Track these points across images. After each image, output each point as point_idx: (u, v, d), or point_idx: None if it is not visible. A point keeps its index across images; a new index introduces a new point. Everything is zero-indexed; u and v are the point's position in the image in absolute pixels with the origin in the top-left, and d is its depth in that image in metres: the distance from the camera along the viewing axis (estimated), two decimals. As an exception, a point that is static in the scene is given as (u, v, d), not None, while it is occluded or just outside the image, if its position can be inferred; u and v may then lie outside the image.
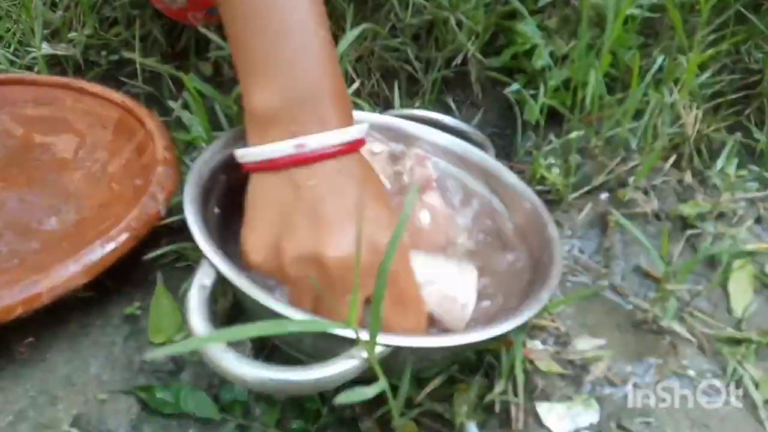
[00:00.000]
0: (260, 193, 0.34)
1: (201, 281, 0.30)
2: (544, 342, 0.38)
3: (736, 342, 0.37)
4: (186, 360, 0.38)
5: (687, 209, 0.43)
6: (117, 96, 0.48)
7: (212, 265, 0.30)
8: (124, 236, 0.36)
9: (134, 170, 0.45)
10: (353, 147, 0.34)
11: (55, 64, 0.83)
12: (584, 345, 0.38)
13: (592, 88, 0.52)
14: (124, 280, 0.41)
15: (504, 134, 0.64)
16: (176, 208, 0.42)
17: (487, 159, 0.44)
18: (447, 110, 0.67)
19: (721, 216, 0.44)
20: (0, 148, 0.48)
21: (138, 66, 0.81)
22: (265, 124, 0.33)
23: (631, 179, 0.48)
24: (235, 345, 0.29)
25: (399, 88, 0.62)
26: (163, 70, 0.66)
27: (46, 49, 0.86)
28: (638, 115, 0.53)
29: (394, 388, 0.28)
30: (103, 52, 0.88)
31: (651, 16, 0.75)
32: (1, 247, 0.40)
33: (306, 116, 0.33)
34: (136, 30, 0.85)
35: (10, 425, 0.34)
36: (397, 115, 0.49)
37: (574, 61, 0.66)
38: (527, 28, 0.75)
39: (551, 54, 0.72)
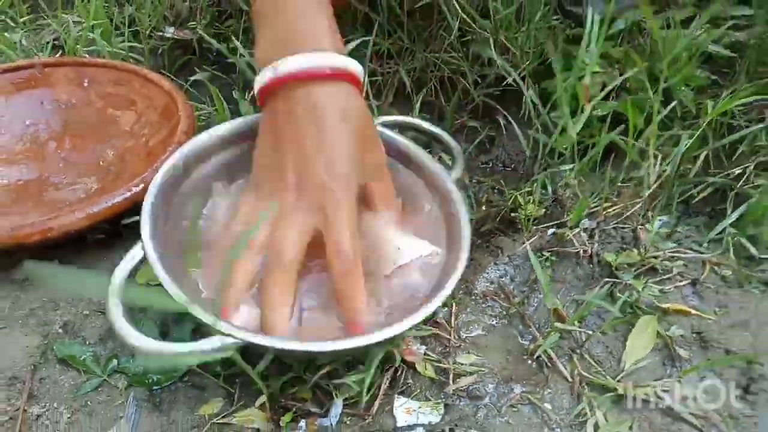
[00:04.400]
0: (262, 123, 0.42)
1: (132, 254, 0.39)
2: (431, 349, 0.43)
3: (604, 389, 0.39)
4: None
5: (613, 258, 0.44)
6: (166, 84, 0.60)
7: (143, 249, 0.40)
8: (118, 198, 0.47)
9: (165, 145, 0.56)
10: (338, 75, 0.40)
11: (175, 47, 0.99)
12: (464, 360, 0.42)
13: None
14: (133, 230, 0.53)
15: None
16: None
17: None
18: (497, 126, 0.71)
19: (652, 270, 0.44)
20: (85, 114, 0.62)
21: (239, 55, 0.95)
22: (265, 60, 0.41)
23: (587, 220, 0.49)
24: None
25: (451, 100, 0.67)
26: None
27: (171, 33, 1.04)
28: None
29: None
30: (215, 41, 1.03)
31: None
32: (67, 180, 0.54)
33: (296, 47, 0.40)
34: (240, 24, 0.99)
35: (20, 321, 0.47)
36: (380, 123, 0.55)
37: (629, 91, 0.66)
38: (588, 56, 0.76)
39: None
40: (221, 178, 0.48)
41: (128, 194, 0.48)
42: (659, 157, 0.55)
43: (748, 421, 0.36)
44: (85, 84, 0.63)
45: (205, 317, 0.35)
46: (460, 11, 0.76)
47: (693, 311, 0.42)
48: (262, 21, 0.43)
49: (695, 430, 0.36)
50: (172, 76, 0.82)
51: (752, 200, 0.50)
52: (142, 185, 0.48)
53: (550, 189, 0.57)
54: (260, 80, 0.41)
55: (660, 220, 0.51)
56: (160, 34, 1.02)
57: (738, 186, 0.64)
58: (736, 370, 0.39)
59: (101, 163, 0.57)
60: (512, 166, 0.67)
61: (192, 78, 1.07)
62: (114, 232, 0.52)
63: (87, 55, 0.71)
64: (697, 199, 0.70)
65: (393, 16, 0.82)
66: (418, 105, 0.68)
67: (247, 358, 0.36)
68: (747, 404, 0.37)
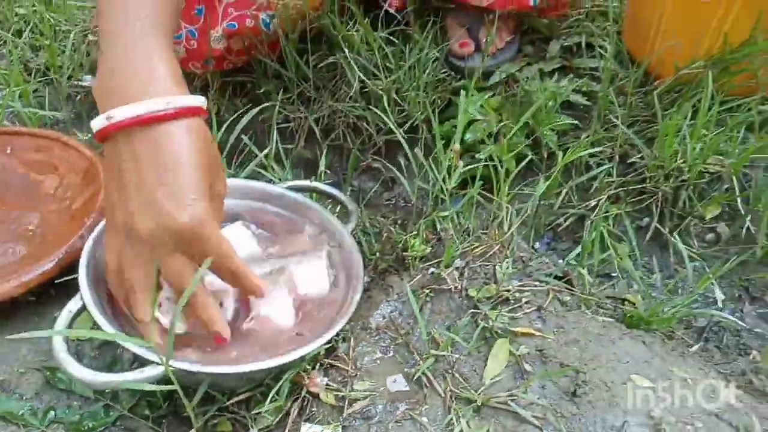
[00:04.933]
0: (105, 162, 0.43)
1: (71, 306, 0.46)
2: (333, 379, 0.51)
3: (469, 401, 0.49)
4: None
5: (476, 292, 0.55)
6: (86, 150, 0.65)
7: (81, 298, 0.46)
8: (49, 265, 0.53)
9: (88, 210, 0.62)
10: (181, 113, 0.40)
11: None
12: (360, 386, 0.51)
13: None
14: (63, 289, 0.58)
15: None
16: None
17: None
18: (398, 167, 0.80)
19: (506, 301, 0.55)
20: (9, 180, 0.67)
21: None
22: (103, 101, 0.42)
23: (459, 260, 0.60)
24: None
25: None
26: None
27: (88, 81, 1.08)
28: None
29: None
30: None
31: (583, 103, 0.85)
32: None
33: (129, 91, 0.40)
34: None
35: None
36: (286, 188, 0.63)
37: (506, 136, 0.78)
38: (468, 105, 0.88)
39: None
40: None
41: (58, 260, 0.54)
42: (516, 204, 0.66)
43: (575, 419, 0.47)
44: (8, 151, 0.67)
45: (131, 346, 0.42)
46: (357, 71, 0.86)
47: (537, 333, 0.52)
48: (103, 51, 0.42)
49: (537, 429, 0.47)
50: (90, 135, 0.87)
51: (585, 237, 0.62)
52: (70, 252, 0.54)
53: (439, 227, 0.67)
54: (97, 124, 0.41)
55: (519, 254, 0.62)
56: (78, 82, 1.06)
57: (593, 216, 0.77)
58: (567, 378, 0.49)
59: (28, 227, 0.62)
60: (411, 202, 0.77)
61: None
62: (43, 292, 0.57)
63: (8, 123, 0.75)
64: (562, 227, 0.82)
65: (300, 70, 0.91)
66: (322, 165, 0.77)
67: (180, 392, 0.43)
68: (575, 405, 0.48)
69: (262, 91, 0.94)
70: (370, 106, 0.87)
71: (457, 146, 0.63)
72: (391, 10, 0.89)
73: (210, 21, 0.80)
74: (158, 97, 0.40)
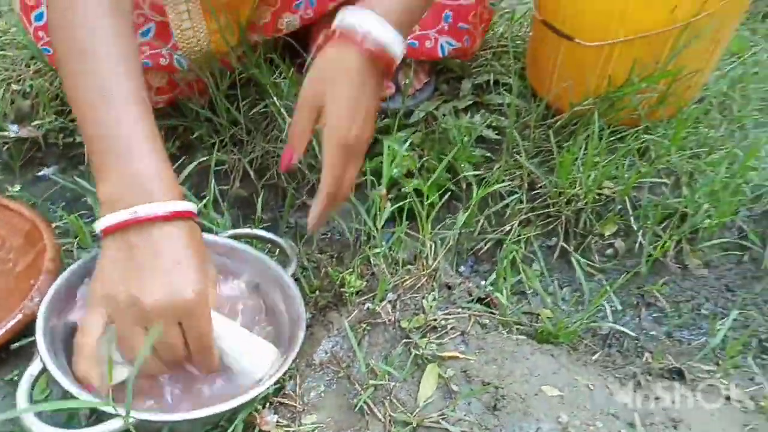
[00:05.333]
0: (106, 252, 0.49)
1: (31, 371, 0.49)
2: (282, 416, 0.57)
3: (405, 423, 0.55)
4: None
5: (407, 323, 0.62)
6: (27, 212, 0.68)
7: (42, 361, 0.49)
8: (1, 331, 0.55)
9: (32, 272, 0.64)
10: (175, 216, 0.48)
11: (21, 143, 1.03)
12: (307, 420, 0.56)
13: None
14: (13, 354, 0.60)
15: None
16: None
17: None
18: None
19: (434, 329, 0.62)
20: (-55, 245, 0.67)
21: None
22: (111, 204, 0.49)
23: (391, 294, 0.66)
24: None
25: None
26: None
27: (15, 131, 1.08)
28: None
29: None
30: (61, 135, 1.09)
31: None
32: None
33: (138, 196, 0.48)
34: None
35: None
36: (227, 236, 0.68)
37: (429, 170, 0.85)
38: (391, 142, 0.95)
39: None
40: None
41: (11, 325, 0.56)
42: (441, 232, 0.74)
43: (496, 430, 0.54)
44: (-58, 217, 0.68)
45: (89, 402, 0.46)
46: (287, 116, 0.92)
47: (461, 356, 0.60)
48: (102, 161, 0.49)
49: (465, 442, 0.54)
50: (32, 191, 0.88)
51: (499, 263, 0.70)
52: (20, 317, 0.57)
53: (372, 261, 0.73)
54: (105, 222, 0.48)
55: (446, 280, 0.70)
56: (4, 133, 1.06)
57: (507, 239, 0.86)
58: (489, 395, 0.57)
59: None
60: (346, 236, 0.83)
61: (39, 173, 1.12)
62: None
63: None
64: (483, 251, 0.91)
65: (231, 115, 0.96)
66: (260, 207, 0.82)
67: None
68: (496, 417, 0.55)
69: (195, 135, 0.98)
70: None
71: (383, 191, 0.70)
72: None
73: None
74: (160, 201, 0.48)
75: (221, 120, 0.96)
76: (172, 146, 1.02)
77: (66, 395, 0.48)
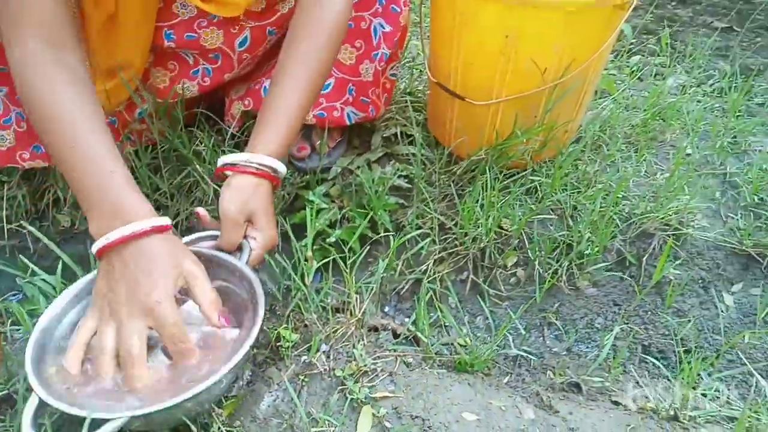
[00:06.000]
0: (100, 269, 0.62)
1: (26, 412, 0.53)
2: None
3: (346, 463, 0.62)
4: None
5: (341, 371, 0.69)
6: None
7: (37, 395, 0.54)
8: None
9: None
10: (147, 233, 0.60)
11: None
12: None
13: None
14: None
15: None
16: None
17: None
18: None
19: (365, 373, 0.70)
20: None
21: (4, 223, 1.02)
22: (100, 234, 0.61)
23: (324, 345, 0.73)
24: None
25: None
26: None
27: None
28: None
29: None
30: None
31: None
32: None
33: (120, 222, 0.60)
34: (3, 193, 1.07)
35: None
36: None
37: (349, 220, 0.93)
38: (313, 197, 1.02)
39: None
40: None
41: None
42: (365, 276, 0.82)
43: (427, 457, 0.63)
44: None
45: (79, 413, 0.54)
46: (210, 181, 0.97)
47: (391, 395, 0.68)
48: (85, 204, 0.62)
49: (400, 471, 0.61)
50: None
51: (418, 302, 0.80)
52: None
53: (304, 314, 0.80)
54: (99, 244, 0.61)
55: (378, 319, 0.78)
56: None
57: (424, 278, 0.96)
58: (417, 427, 0.65)
59: None
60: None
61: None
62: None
63: None
64: (405, 290, 1.00)
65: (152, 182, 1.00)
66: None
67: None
68: (426, 446, 0.63)
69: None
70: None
71: (309, 253, 0.77)
72: (235, 132, 1.02)
73: None
74: (139, 221, 0.61)
75: (145, 189, 1.00)
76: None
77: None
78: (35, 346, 0.61)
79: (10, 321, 0.77)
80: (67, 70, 0.65)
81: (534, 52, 0.88)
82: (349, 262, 0.79)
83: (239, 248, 0.74)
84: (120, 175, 0.62)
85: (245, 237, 0.74)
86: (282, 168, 0.75)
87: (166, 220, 0.63)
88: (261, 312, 0.65)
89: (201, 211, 0.78)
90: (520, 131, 0.94)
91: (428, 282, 0.93)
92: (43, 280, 0.76)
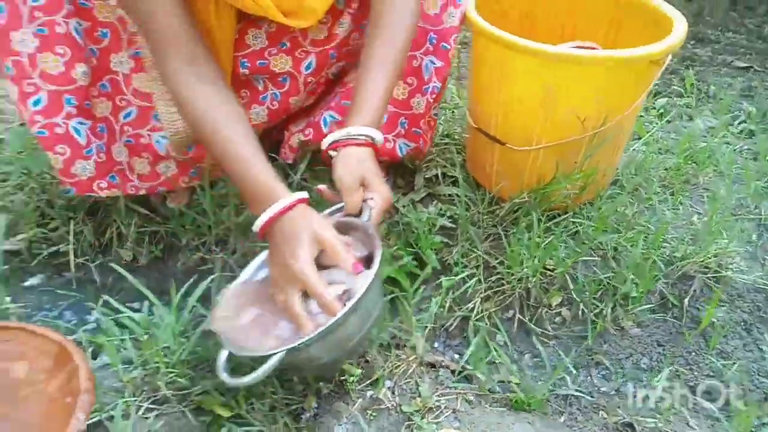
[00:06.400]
0: (269, 243, 0.75)
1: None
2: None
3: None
4: None
5: (408, 407, 0.73)
6: (55, 335, 0.74)
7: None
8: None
9: (65, 391, 0.69)
10: (287, 209, 0.73)
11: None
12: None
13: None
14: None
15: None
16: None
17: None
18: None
19: (431, 410, 0.74)
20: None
21: (72, 257, 1.07)
22: (258, 211, 0.74)
23: (388, 381, 0.77)
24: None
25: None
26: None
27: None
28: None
29: None
30: (44, 245, 1.14)
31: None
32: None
33: (268, 202, 0.73)
34: (71, 228, 1.12)
35: None
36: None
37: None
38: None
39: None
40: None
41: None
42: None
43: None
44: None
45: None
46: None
47: (456, 431, 0.71)
48: (246, 194, 0.77)
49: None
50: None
51: (470, 342, 0.83)
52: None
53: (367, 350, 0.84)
54: (257, 224, 0.74)
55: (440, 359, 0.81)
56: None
57: (472, 316, 0.99)
58: (484, 461, 0.68)
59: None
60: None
61: (25, 283, 1.17)
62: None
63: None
64: (453, 327, 1.03)
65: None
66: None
67: None
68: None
69: (184, 243, 1.07)
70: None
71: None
72: (288, 161, 1.09)
73: (108, 136, 0.95)
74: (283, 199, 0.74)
75: (208, 221, 1.05)
76: (156, 249, 1.10)
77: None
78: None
79: (91, 350, 0.81)
80: (211, 87, 0.79)
81: (574, 104, 0.93)
82: (412, 302, 0.83)
83: (361, 211, 0.83)
84: (267, 172, 0.76)
85: (364, 201, 0.82)
86: (379, 136, 0.83)
87: (304, 194, 0.76)
88: (378, 257, 0.74)
89: (322, 186, 0.86)
90: (562, 177, 0.99)
91: (476, 320, 0.97)
92: (129, 317, 0.80)
